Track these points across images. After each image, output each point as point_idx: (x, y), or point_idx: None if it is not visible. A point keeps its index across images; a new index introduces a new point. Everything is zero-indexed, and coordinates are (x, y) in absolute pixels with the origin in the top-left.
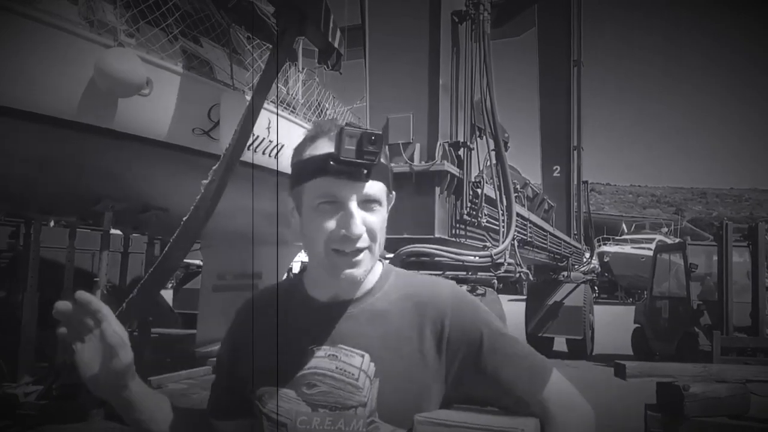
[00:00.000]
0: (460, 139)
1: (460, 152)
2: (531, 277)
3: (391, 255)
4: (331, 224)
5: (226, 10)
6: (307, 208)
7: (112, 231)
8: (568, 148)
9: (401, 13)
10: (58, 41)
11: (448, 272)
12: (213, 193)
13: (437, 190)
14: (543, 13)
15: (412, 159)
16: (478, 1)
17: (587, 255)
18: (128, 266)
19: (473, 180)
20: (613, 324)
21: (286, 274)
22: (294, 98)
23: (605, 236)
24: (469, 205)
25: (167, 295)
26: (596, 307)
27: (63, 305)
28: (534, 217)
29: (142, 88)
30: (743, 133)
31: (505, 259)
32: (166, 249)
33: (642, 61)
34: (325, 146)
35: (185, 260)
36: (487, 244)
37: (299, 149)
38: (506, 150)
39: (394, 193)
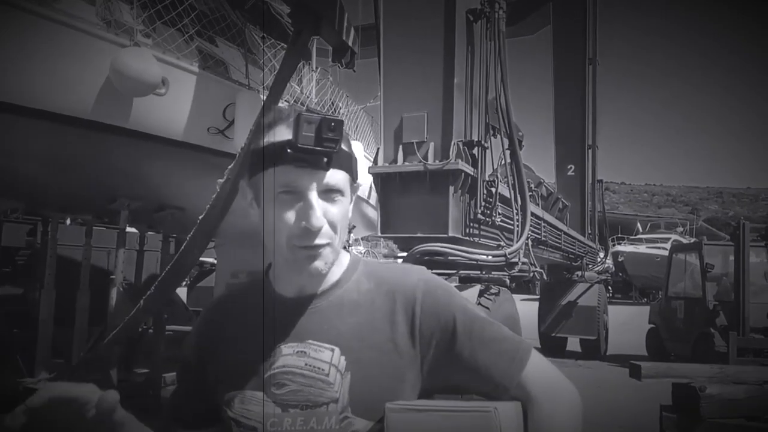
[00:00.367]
0: (475, 137)
1: (475, 151)
2: (545, 276)
3: (405, 254)
4: (291, 216)
5: (242, 11)
6: (266, 199)
7: (128, 229)
8: (582, 147)
9: (416, 11)
10: (76, 41)
11: (461, 271)
12: (228, 192)
13: (451, 189)
14: (558, 11)
15: (426, 158)
16: None
17: (601, 255)
18: (144, 264)
19: (487, 179)
20: (627, 324)
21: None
22: (308, 97)
23: (620, 236)
24: (483, 204)
25: (182, 292)
26: (610, 307)
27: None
28: (548, 217)
29: (157, 88)
30: (761, 132)
31: (519, 259)
32: (182, 247)
33: (658, 59)
34: (283, 133)
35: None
36: (501, 243)
37: (256, 138)
38: (520, 149)
39: (359, 182)
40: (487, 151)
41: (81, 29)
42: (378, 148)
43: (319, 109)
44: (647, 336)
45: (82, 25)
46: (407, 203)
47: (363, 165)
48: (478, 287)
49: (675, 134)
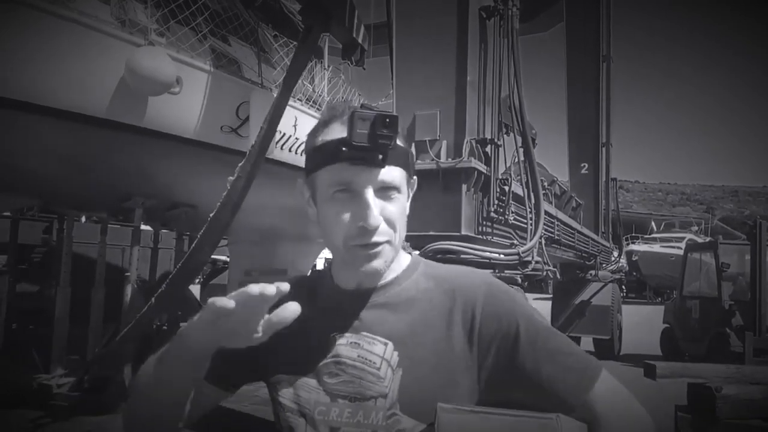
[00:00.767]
0: (488, 135)
1: (488, 149)
2: (558, 275)
3: (417, 252)
4: (347, 215)
5: (254, 9)
6: (322, 198)
7: (143, 227)
8: (596, 145)
9: (428, 9)
10: (90, 40)
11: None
12: (239, 190)
13: (464, 187)
14: (571, 8)
15: (439, 156)
16: None
17: (615, 254)
18: (158, 261)
19: (500, 177)
20: (641, 324)
21: (309, 271)
22: (320, 95)
23: (634, 235)
24: (496, 202)
25: (195, 290)
26: (624, 307)
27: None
28: (562, 215)
29: (171, 87)
30: None
31: (532, 257)
32: (193, 245)
33: (673, 56)
34: (337, 131)
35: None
36: (515, 241)
37: (312, 135)
38: (534, 147)
39: (415, 178)
40: (500, 149)
41: (96, 28)
42: None
43: (372, 105)
44: (661, 336)
45: (97, 24)
46: (420, 201)
47: None
48: None
49: (689, 132)
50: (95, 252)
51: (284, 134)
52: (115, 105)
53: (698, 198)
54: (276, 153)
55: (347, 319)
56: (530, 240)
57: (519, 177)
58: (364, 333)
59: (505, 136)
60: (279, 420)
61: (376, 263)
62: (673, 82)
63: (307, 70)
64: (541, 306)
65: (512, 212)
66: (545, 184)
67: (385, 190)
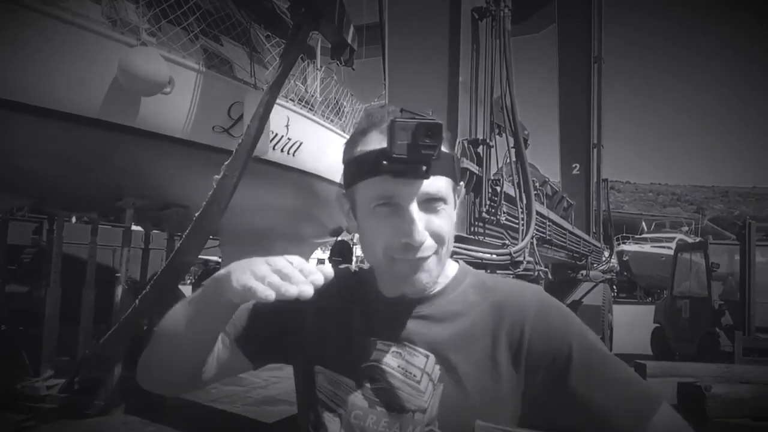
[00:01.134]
0: (480, 136)
1: (480, 149)
2: (549, 275)
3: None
4: (390, 231)
5: (246, 8)
6: (362, 211)
7: (134, 227)
8: (587, 146)
9: (420, 9)
10: (82, 40)
11: None
12: (226, 189)
13: None
14: (563, 10)
15: None
16: None
17: (606, 254)
18: (149, 262)
19: (492, 177)
20: (632, 324)
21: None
22: (312, 96)
23: (625, 235)
24: (488, 202)
25: (186, 291)
26: (615, 307)
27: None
28: (553, 216)
29: (164, 87)
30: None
31: (524, 258)
32: (178, 246)
33: (663, 57)
34: (376, 141)
35: (204, 257)
36: (506, 242)
37: (350, 145)
38: (526, 147)
39: (462, 184)
40: (492, 149)
41: (88, 28)
42: None
43: (413, 109)
44: (652, 335)
45: (88, 24)
46: None
47: None
48: None
49: (680, 133)
50: (85, 253)
51: (277, 135)
52: (107, 105)
53: (689, 198)
54: (269, 154)
55: (389, 327)
56: (522, 240)
57: (511, 177)
58: (406, 343)
59: (497, 136)
60: (308, 412)
61: (422, 278)
62: (664, 83)
63: (299, 70)
64: None
65: (504, 212)
66: (537, 184)
67: (430, 202)
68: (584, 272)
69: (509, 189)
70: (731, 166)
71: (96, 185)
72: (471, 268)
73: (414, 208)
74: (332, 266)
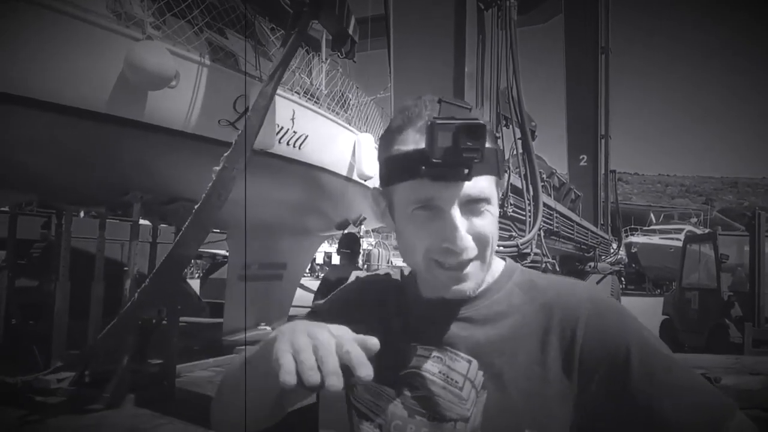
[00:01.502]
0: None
1: None
2: (557, 267)
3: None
4: (429, 235)
5: (250, 1)
6: (400, 214)
7: (141, 222)
8: (595, 137)
9: (426, 0)
10: (88, 34)
11: None
12: (225, 180)
13: None
14: (570, 0)
15: None
16: None
17: (614, 245)
18: (157, 256)
19: None
20: (640, 316)
21: (309, 265)
22: (318, 89)
23: (633, 226)
24: None
25: (195, 284)
26: (623, 299)
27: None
28: (560, 207)
29: (171, 81)
30: None
31: (531, 250)
32: (177, 238)
33: (671, 48)
34: (413, 140)
35: (212, 251)
36: (513, 234)
37: (385, 142)
38: (533, 139)
39: (505, 176)
40: (498, 141)
41: (93, 22)
42: None
43: (448, 104)
44: (661, 327)
45: (94, 18)
46: None
47: (374, 157)
48: None
49: (689, 124)
50: (94, 247)
51: (282, 128)
52: (113, 99)
53: (697, 189)
54: (275, 147)
55: (430, 331)
56: (529, 232)
57: (518, 169)
58: (448, 348)
59: (503, 128)
60: (351, 427)
61: (465, 285)
62: (673, 73)
63: (305, 63)
64: None
65: (511, 204)
66: (544, 176)
67: (472, 204)
68: (592, 264)
69: (516, 181)
70: (740, 157)
71: (103, 179)
72: (519, 265)
73: (455, 211)
74: (374, 274)
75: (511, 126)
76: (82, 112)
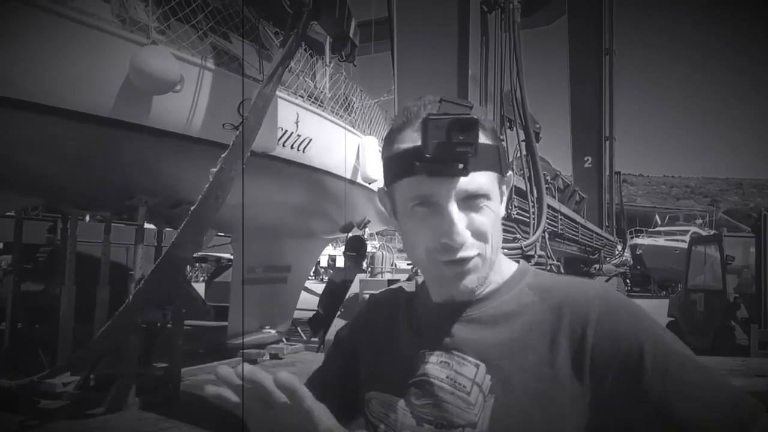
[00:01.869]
0: None
1: None
2: (562, 269)
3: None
4: (429, 231)
5: (253, 5)
6: (401, 212)
7: (146, 225)
8: (599, 139)
9: (429, 3)
10: (93, 39)
11: None
12: (222, 182)
13: None
14: (573, 1)
15: None
16: None
17: (619, 247)
18: None
19: None
20: None
21: (313, 268)
22: (321, 92)
23: (638, 228)
24: None
25: (200, 288)
26: None
27: (227, 373)
28: (565, 209)
29: (176, 85)
30: None
31: (535, 252)
32: (173, 240)
33: (675, 49)
34: (410, 138)
35: (216, 254)
36: (518, 236)
37: (388, 142)
38: (538, 141)
39: (510, 174)
40: (502, 143)
41: (98, 27)
42: None
43: (449, 103)
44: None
45: (99, 23)
46: None
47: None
48: None
49: (694, 125)
50: (99, 251)
51: (286, 131)
52: (118, 104)
53: (702, 191)
54: (278, 150)
55: (438, 335)
56: (533, 234)
57: (522, 171)
58: (455, 352)
59: (507, 130)
60: None
61: (468, 281)
62: (677, 74)
63: (308, 66)
64: None
65: (515, 206)
66: (548, 178)
67: (470, 200)
68: (597, 266)
69: (520, 183)
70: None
71: (108, 183)
72: (533, 268)
73: (453, 207)
74: (387, 289)
75: (515, 128)
76: (88, 116)
